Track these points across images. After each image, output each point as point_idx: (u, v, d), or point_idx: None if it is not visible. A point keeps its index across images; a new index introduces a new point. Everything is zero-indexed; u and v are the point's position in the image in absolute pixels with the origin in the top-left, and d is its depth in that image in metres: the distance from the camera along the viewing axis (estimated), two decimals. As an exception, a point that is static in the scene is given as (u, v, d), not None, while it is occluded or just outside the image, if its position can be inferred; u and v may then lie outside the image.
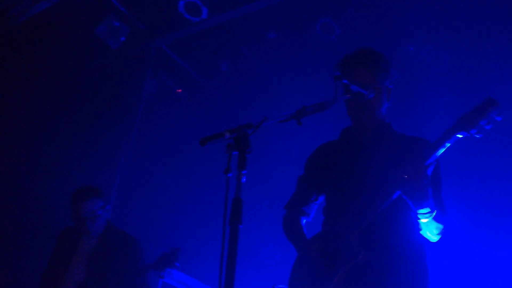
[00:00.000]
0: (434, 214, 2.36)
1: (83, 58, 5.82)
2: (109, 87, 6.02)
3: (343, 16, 5.60)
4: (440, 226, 2.43)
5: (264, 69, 6.36)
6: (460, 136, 2.27)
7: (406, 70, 5.67)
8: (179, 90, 6.80)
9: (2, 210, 5.18)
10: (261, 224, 6.17)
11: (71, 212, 4.10)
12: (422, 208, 2.31)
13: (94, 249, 4.10)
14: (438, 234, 2.46)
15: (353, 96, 2.45)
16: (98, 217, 4.07)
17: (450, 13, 5.34)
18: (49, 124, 5.55)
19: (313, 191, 2.75)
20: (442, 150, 2.29)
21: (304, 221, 2.79)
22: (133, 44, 5.94)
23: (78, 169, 5.53)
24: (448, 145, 2.28)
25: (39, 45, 5.59)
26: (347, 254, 2.33)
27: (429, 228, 2.43)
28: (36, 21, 5.52)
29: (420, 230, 2.46)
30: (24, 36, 5.50)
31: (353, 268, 2.32)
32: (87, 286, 3.98)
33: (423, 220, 2.37)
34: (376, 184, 2.40)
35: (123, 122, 5.99)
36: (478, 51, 5.52)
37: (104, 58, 5.92)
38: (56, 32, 5.56)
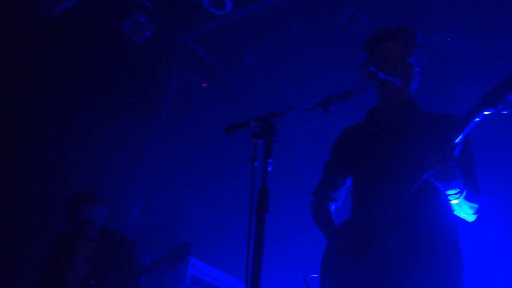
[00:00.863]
0: (464, 194, 2.31)
1: (109, 55, 5.87)
2: (135, 83, 6.06)
3: (368, 6, 5.51)
4: (475, 205, 2.38)
5: (288, 62, 6.31)
6: (488, 113, 2.20)
7: (434, 59, 5.56)
8: (204, 85, 6.81)
9: (24, 207, 5.26)
10: (288, 217, 6.16)
11: (69, 216, 4.25)
12: (450, 189, 2.27)
13: (93, 252, 4.23)
14: (474, 213, 2.41)
15: (380, 83, 2.41)
16: (95, 220, 4.22)
17: (478, 0, 5.23)
18: (76, 120, 5.63)
19: (340, 175, 2.70)
20: (469, 130, 2.22)
21: (333, 207, 2.75)
22: (159, 39, 5.97)
23: (105, 164, 5.60)
24: (477, 121, 2.21)
25: (65, 43, 5.66)
26: (377, 240, 2.29)
27: (462, 208, 2.38)
28: (62, 19, 5.59)
29: (453, 211, 2.42)
30: (50, 34, 5.58)
31: (384, 254, 2.28)
32: (88, 286, 4.08)
33: (454, 202, 2.33)
34: (403, 168, 2.35)
35: (149, 117, 6.04)
36: (507, 39, 5.38)
37: (130, 54, 5.97)
38: (82, 30, 5.62)
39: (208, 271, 5.81)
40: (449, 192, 2.29)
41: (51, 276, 4.24)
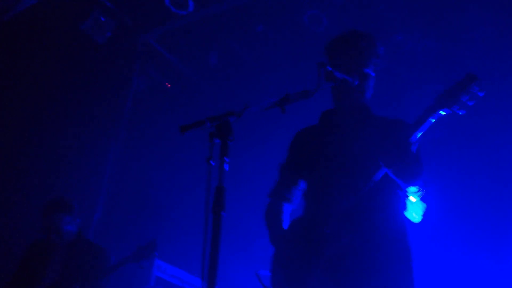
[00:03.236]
0: (423, 192, 2.35)
1: (69, 55, 5.77)
2: (96, 83, 5.97)
3: (330, 8, 5.58)
4: (424, 205, 2.43)
5: (253, 62, 6.33)
6: (443, 113, 2.26)
7: (394, 60, 5.67)
8: (168, 85, 6.76)
9: None
10: (255, 217, 6.16)
11: (40, 224, 4.20)
12: (412, 186, 2.30)
13: (66, 259, 4.20)
14: (421, 214, 2.46)
15: (338, 83, 2.44)
16: (64, 231, 4.18)
17: (437, 2, 5.35)
18: (34, 122, 5.51)
19: (295, 176, 2.72)
20: (424, 129, 2.26)
21: (290, 208, 2.75)
22: (120, 39, 5.90)
23: (66, 167, 5.50)
24: (432, 121, 2.26)
25: (24, 43, 5.54)
26: (332, 236, 2.31)
27: (415, 208, 2.42)
28: (21, 19, 5.47)
29: (405, 210, 2.45)
30: (9, 33, 5.45)
31: (338, 250, 2.30)
32: None
33: (412, 199, 2.36)
34: (357, 166, 2.38)
35: (111, 118, 5.96)
36: (466, 39, 5.52)
37: (91, 54, 5.88)
38: (41, 29, 5.50)
39: (173, 272, 5.77)
40: (410, 189, 2.31)
41: (22, 280, 4.18)
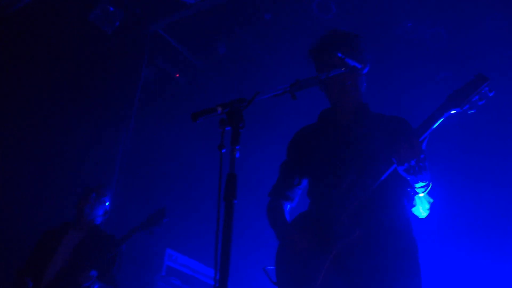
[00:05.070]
0: (430, 187, 2.39)
1: (78, 45, 5.77)
2: (105, 74, 5.98)
3: (339, -6, 5.54)
4: (431, 200, 2.47)
5: (261, 51, 6.30)
6: (454, 112, 2.35)
7: (404, 46, 5.62)
8: (177, 75, 6.75)
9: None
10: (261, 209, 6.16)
11: (79, 196, 4.35)
12: (420, 182, 2.34)
13: (78, 243, 4.27)
14: (428, 209, 2.50)
15: (349, 69, 2.43)
16: (99, 206, 4.39)
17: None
18: (44, 114, 5.54)
19: (296, 175, 2.72)
20: (435, 126, 2.34)
21: (288, 206, 2.76)
22: (128, 29, 5.90)
23: (76, 158, 5.53)
24: (441, 120, 2.34)
25: (33, 34, 5.56)
26: (341, 232, 2.32)
27: (423, 203, 2.46)
28: (29, 10, 5.47)
29: (414, 206, 2.48)
30: (16, 25, 5.46)
31: (348, 245, 2.32)
32: (66, 274, 4.09)
33: (420, 195, 2.40)
34: (365, 163, 2.40)
35: (120, 109, 5.97)
36: (476, 27, 5.46)
37: (100, 44, 5.88)
38: (50, 20, 5.51)
39: (185, 262, 5.80)
40: (419, 185, 2.35)
41: (33, 264, 4.24)
